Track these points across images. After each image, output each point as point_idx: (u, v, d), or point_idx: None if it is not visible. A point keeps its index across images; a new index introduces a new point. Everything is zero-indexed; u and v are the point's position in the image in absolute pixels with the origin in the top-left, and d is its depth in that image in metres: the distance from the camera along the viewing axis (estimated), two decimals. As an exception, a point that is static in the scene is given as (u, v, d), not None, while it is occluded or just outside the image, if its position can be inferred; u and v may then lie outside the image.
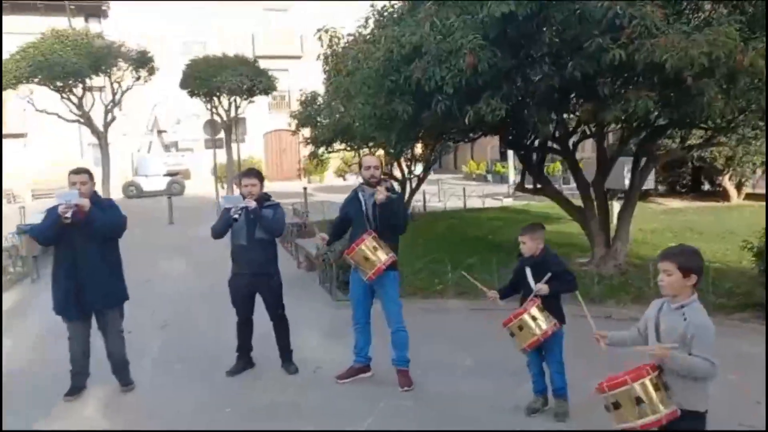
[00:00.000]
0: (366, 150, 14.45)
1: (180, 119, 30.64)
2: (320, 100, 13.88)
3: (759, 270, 6.31)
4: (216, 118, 19.45)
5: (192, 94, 19.15)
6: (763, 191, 17.12)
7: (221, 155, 20.52)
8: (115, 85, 20.11)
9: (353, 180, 32.40)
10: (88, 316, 5.02)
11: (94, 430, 4.06)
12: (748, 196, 16.71)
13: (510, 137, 8.59)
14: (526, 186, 9.24)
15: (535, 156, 8.80)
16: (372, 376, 5.25)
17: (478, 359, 5.58)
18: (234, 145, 19.80)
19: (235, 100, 19.55)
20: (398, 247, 5.07)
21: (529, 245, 4.36)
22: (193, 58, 19.47)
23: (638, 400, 2.84)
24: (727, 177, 16.40)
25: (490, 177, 28.09)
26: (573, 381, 4.35)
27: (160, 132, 30.19)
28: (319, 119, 13.53)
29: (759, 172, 16.47)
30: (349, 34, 9.03)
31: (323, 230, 5.83)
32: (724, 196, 16.63)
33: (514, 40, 6.28)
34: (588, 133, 8.56)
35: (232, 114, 19.78)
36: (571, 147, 8.62)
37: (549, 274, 4.18)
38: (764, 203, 14.93)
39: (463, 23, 6.05)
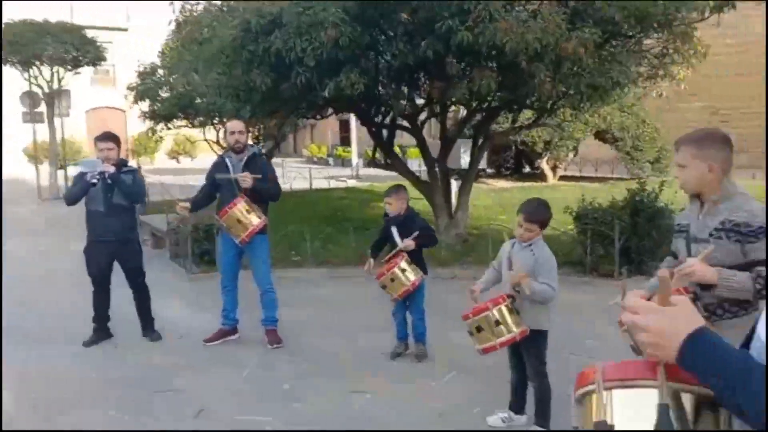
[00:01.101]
0: (210, 126, 14.16)
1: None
2: (160, 72, 13.29)
3: (577, 232, 7.33)
4: (35, 89, 17.66)
5: (6, 61, 17.14)
6: (574, 173, 19.49)
7: (41, 132, 18.65)
8: None
9: (188, 163, 31.08)
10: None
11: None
12: (562, 178, 18.91)
13: (363, 113, 8.96)
14: (377, 162, 9.71)
15: (386, 132, 9.27)
16: (239, 338, 5.35)
17: (342, 320, 5.90)
18: (57, 120, 18.10)
19: (57, 71, 17.82)
20: (268, 211, 5.19)
21: (395, 205, 4.71)
22: (7, 21, 17.41)
23: (497, 323, 3.33)
24: (544, 160, 18.40)
25: (331, 160, 28.64)
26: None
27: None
28: (159, 92, 12.96)
29: (571, 156, 18.68)
30: (198, 2, 8.81)
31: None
32: (541, 177, 18.66)
33: (372, 18, 6.60)
34: (434, 111, 9.20)
35: (55, 86, 18.03)
36: (419, 125, 9.21)
37: (417, 233, 4.57)
38: (576, 184, 17.00)
39: (324, -3, 6.25)
